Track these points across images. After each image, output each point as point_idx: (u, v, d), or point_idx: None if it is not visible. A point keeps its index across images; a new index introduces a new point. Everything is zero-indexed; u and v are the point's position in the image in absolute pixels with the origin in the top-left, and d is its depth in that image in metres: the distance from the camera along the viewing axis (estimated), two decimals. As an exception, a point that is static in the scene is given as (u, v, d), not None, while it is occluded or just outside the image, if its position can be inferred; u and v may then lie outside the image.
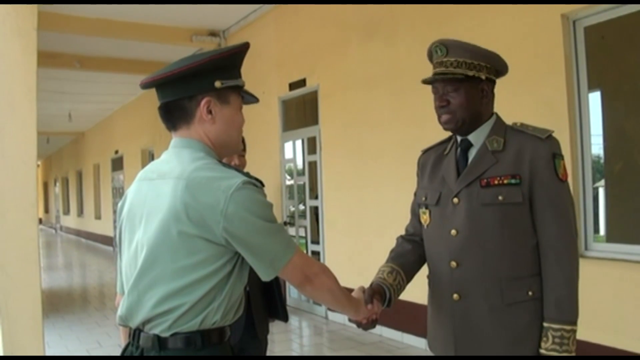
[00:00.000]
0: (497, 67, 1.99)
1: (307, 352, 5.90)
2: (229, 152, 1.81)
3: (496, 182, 1.89)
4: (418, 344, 5.40)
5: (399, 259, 2.15)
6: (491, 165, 1.91)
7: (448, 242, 1.96)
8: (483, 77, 1.93)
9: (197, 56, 1.63)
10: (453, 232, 1.94)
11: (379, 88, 6.02)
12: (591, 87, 4.26)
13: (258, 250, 1.55)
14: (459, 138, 2.05)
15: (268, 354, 3.05)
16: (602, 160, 5.07)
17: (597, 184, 4.76)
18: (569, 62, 4.18)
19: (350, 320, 1.94)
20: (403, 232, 2.29)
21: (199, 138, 1.67)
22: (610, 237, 4.86)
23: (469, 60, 1.92)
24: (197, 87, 1.63)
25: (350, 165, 6.49)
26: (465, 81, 1.92)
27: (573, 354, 1.82)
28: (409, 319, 5.16)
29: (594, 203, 4.24)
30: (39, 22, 3.99)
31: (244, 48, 1.70)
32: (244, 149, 2.98)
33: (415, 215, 2.23)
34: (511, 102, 4.46)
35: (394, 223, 5.74)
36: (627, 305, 3.77)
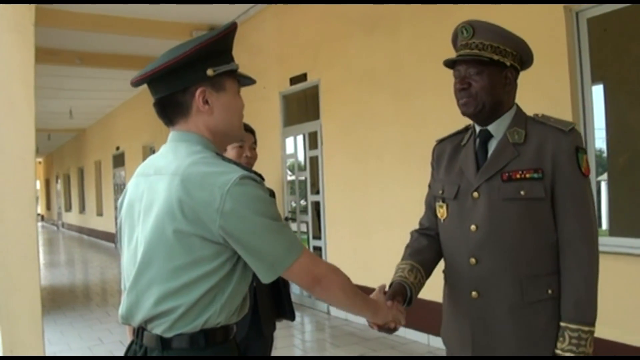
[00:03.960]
0: (522, 55, 1.93)
1: (309, 348, 5.88)
2: (231, 139, 1.74)
3: (518, 176, 1.82)
4: (421, 339, 5.37)
5: (418, 255, 2.06)
6: (513, 158, 1.85)
7: (467, 238, 1.89)
8: (508, 63, 1.87)
9: (184, 45, 1.57)
10: (473, 227, 1.87)
11: (381, 82, 5.98)
12: (594, 80, 4.22)
13: (258, 251, 1.46)
14: (477, 128, 1.98)
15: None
16: (604, 154, 5.03)
17: (599, 178, 4.73)
18: (572, 54, 4.13)
19: (370, 324, 1.85)
20: (416, 226, 2.21)
21: (197, 130, 1.60)
22: (613, 231, 4.83)
23: (495, 43, 1.86)
24: (189, 79, 1.56)
25: (352, 160, 6.46)
26: (490, 65, 1.85)
27: (589, 354, 1.78)
28: (411, 314, 5.13)
29: (597, 197, 4.20)
30: (37, 18, 3.96)
31: (231, 29, 1.61)
32: (255, 142, 2.94)
33: (430, 208, 2.14)
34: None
35: (397, 217, 5.74)
36: (629, 299, 3.74)
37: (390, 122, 5.85)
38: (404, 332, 5.68)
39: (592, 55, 4.15)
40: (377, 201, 6.07)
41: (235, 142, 2.46)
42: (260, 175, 1.56)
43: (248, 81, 1.72)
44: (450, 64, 1.95)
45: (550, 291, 1.81)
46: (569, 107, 4.08)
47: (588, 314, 1.78)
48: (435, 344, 5.11)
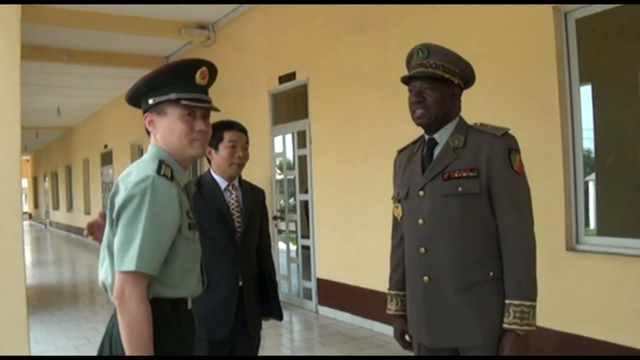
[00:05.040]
0: (467, 76, 2.24)
1: (297, 347, 5.87)
2: (179, 155, 1.95)
3: (456, 175, 2.12)
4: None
5: (392, 279, 2.46)
6: (452, 160, 2.15)
7: (416, 231, 2.21)
8: (456, 81, 2.18)
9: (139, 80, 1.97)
10: (420, 221, 2.19)
11: (370, 82, 5.98)
12: (582, 81, 4.23)
13: (119, 239, 1.77)
14: (426, 137, 2.27)
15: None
16: (592, 154, 5.05)
17: (587, 178, 4.75)
18: (561, 54, 4.14)
19: None
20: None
21: (157, 144, 1.97)
22: (601, 231, 4.86)
23: (446, 64, 2.16)
24: (142, 105, 1.98)
25: (341, 159, 6.46)
26: (441, 82, 2.15)
27: (534, 328, 2.01)
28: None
29: (585, 197, 4.22)
30: (23, 14, 3.92)
31: (164, 68, 1.93)
32: (247, 142, 2.89)
33: (397, 224, 2.46)
34: (503, 96, 4.43)
35: (385, 216, 5.72)
36: (617, 298, 3.76)
37: (379, 121, 5.85)
38: (392, 331, 5.67)
39: (581, 55, 4.15)
40: (365, 200, 6.06)
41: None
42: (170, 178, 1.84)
43: (201, 105, 1.96)
44: (406, 80, 2.24)
45: (491, 274, 2.09)
46: (557, 107, 4.08)
47: (528, 291, 2.04)
48: (424, 343, 5.08)
